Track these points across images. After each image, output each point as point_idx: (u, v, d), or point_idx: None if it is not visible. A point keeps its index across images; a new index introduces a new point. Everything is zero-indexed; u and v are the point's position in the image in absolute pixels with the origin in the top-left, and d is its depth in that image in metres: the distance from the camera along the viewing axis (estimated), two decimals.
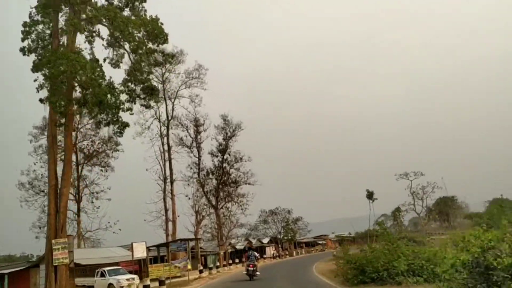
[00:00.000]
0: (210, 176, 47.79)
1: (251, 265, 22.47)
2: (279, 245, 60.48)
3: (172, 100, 41.92)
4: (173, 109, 41.83)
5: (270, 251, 60.65)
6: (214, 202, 47.43)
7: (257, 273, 23.01)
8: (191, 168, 46.24)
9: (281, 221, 57.98)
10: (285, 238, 59.80)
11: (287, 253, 56.12)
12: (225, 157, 48.39)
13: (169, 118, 41.50)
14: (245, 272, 22.95)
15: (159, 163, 39.48)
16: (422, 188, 66.28)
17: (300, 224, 61.75)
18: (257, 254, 25.49)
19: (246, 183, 48.23)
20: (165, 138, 40.83)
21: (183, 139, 46.01)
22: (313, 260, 37.35)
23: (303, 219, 61.74)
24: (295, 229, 60.60)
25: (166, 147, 40.50)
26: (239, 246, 54.83)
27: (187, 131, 46.10)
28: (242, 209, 47.67)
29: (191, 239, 35.49)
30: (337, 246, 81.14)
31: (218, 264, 36.15)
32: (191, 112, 45.31)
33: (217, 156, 48.55)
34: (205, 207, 45.40)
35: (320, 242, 77.75)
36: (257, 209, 58.87)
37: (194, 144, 46.57)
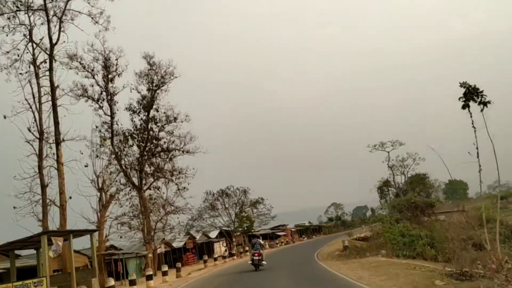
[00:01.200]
0: (130, 141, 32.57)
1: (256, 254, 19.71)
2: (231, 240, 46.39)
3: (59, 15, 26.15)
4: (60, 30, 26.04)
5: (219, 248, 46.56)
6: (137, 181, 32.39)
7: (263, 262, 20.08)
8: (99, 131, 30.76)
9: (236, 205, 43.46)
10: (239, 229, 45.84)
11: (241, 250, 42.41)
12: (151, 114, 33.44)
13: (53, 42, 25.69)
14: (250, 262, 20.14)
15: (34, 112, 23.60)
16: (402, 160, 56.37)
17: (262, 208, 47.25)
18: (262, 242, 22.77)
19: (182, 152, 33.73)
20: (47, 73, 24.94)
21: (88, 89, 30.45)
22: (293, 262, 24.06)
23: (265, 201, 47.27)
24: (252, 216, 46.27)
25: (46, 89, 24.65)
26: (178, 244, 40.02)
27: (93, 76, 30.53)
28: (179, 189, 33.17)
29: (86, 231, 20.34)
30: (303, 237, 70.19)
31: (145, 271, 21.59)
32: (96, 45, 29.78)
33: (139, 114, 33.44)
34: (120, 185, 30.22)
35: (280, 233, 65.21)
36: (203, 190, 44.21)
37: (104, 95, 31.12)
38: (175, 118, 33.66)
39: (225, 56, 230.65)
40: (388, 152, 56.93)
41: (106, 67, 30.72)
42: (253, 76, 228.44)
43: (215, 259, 35.34)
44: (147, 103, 33.07)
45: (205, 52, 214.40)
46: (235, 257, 37.17)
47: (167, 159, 33.53)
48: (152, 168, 33.15)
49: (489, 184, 40.36)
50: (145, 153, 32.56)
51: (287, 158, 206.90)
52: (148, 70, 33.44)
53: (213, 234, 47.26)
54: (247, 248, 40.77)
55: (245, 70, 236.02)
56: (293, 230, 70.86)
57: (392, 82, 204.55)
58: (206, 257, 31.48)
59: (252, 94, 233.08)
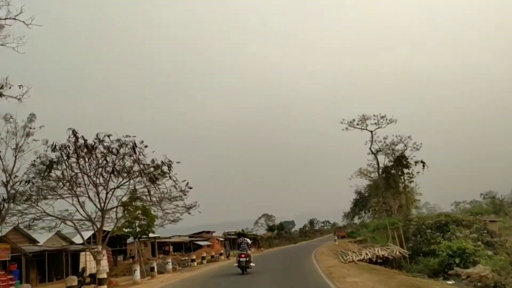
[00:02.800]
0: None
1: (242, 255, 16.22)
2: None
3: None
4: None
5: (87, 261, 25.04)
6: None
7: (251, 264, 16.59)
8: None
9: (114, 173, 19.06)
10: (126, 229, 24.29)
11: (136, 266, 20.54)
12: None
13: None
14: (236, 264, 16.54)
15: None
16: (391, 144, 39.92)
17: (170, 187, 21.61)
18: (249, 241, 17.83)
19: None
20: None
21: None
22: None
23: (171, 166, 20.61)
24: (151, 204, 22.29)
25: None
26: None
27: None
28: None
29: None
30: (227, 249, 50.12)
31: None
32: None
33: None
34: None
35: (203, 243, 44.55)
36: None
37: None
38: None
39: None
40: (371, 132, 40.56)
41: None
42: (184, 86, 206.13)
43: None
44: None
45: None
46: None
47: None
48: None
49: None
50: None
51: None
52: None
53: (77, 239, 25.37)
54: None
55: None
56: (221, 239, 50.76)
57: None
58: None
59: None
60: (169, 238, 41.35)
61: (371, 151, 40.79)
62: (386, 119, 39.92)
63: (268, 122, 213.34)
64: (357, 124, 41.00)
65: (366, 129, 41.23)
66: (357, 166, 51.56)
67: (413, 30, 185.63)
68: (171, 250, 39.81)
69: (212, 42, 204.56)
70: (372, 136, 41.64)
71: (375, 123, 40.45)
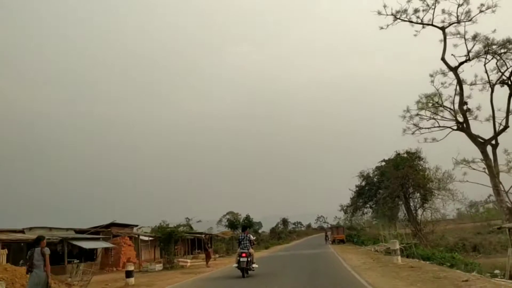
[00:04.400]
0: None
1: (243, 254, 13.65)
2: None
3: None
4: None
5: None
6: None
7: (254, 265, 14.08)
8: None
9: None
10: None
11: None
12: None
13: None
14: (236, 265, 13.89)
15: None
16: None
17: None
18: (252, 238, 14.93)
19: None
20: None
21: None
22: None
23: None
24: None
25: None
26: None
27: None
28: None
29: None
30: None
31: None
32: None
33: None
34: None
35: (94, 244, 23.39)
36: None
37: None
38: None
39: None
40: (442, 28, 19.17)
41: None
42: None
43: None
44: None
45: None
46: None
47: None
48: None
49: None
50: None
51: None
52: None
53: None
54: None
55: None
56: (145, 238, 30.36)
57: None
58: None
59: None
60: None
61: (446, 64, 20.64)
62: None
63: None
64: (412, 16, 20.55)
65: (432, 25, 20.69)
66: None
67: None
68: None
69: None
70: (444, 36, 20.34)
71: (448, 14, 20.25)
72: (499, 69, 20.23)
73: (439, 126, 22.51)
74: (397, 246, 15.83)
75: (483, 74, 20.70)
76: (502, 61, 19.67)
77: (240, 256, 13.60)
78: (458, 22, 20.15)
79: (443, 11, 20.33)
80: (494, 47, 19.26)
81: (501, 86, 20.56)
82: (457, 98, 21.25)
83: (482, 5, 19.41)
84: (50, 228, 23.11)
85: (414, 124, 22.69)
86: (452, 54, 20.54)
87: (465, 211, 49.24)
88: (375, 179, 37.09)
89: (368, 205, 38.57)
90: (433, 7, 20.25)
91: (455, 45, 20.51)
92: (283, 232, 79.88)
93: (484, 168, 20.22)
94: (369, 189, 37.14)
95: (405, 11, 20.45)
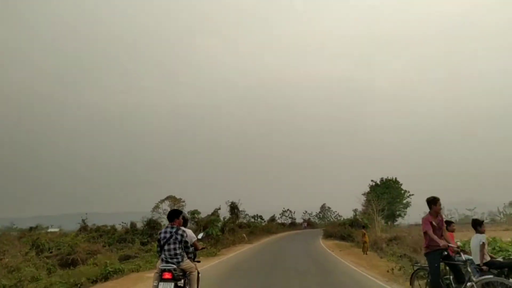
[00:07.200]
0: None
1: (165, 275, 6.21)
2: None
3: None
4: None
5: None
6: None
7: None
8: None
9: None
10: None
11: None
12: None
13: None
14: None
15: None
16: None
17: None
18: (193, 235, 7.57)
19: None
20: None
21: None
22: None
23: None
24: None
25: None
26: None
27: None
28: None
29: None
30: None
31: None
32: None
33: None
34: None
35: None
36: None
37: None
38: None
39: None
40: None
41: None
42: None
43: None
44: None
45: None
46: None
47: None
48: None
49: None
50: None
51: None
52: None
53: None
54: None
55: None
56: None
57: None
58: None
59: None
60: None
61: None
62: None
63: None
64: None
65: None
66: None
67: None
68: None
69: None
70: None
71: None
72: None
73: None
74: None
75: None
76: None
77: (159, 278, 6.32)
78: None
79: None
80: None
81: None
82: None
83: None
84: None
85: None
86: None
87: None
88: None
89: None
90: None
91: None
92: (233, 222, 41.34)
93: None
94: None
95: None
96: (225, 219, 35.91)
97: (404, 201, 50.72)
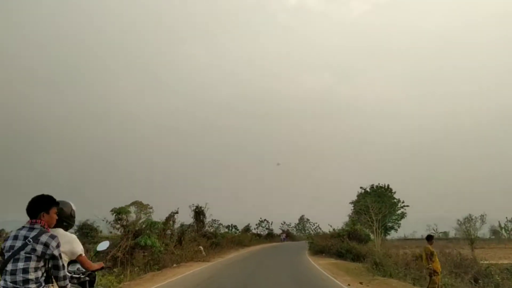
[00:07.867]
0: None
1: None
2: None
3: None
4: None
5: None
6: None
7: None
8: None
9: None
10: None
11: None
12: None
13: None
14: None
15: None
16: None
17: None
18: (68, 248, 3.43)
19: None
20: None
21: None
22: None
23: None
24: None
25: None
26: None
27: None
28: None
29: None
30: None
31: None
32: None
33: None
34: None
35: None
36: None
37: None
38: None
39: None
40: None
41: None
42: None
43: None
44: None
45: None
46: None
47: None
48: None
49: None
50: None
51: None
52: None
53: None
54: None
55: None
56: None
57: None
58: None
59: None
60: None
61: None
62: None
63: None
64: None
65: None
66: None
67: None
68: None
69: None
70: None
71: None
72: None
73: None
74: None
75: None
76: None
77: None
78: None
79: None
80: None
81: None
82: None
83: None
84: None
85: None
86: None
87: None
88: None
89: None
90: None
91: None
92: (198, 228, 34.02)
93: None
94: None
95: None
96: (183, 226, 27.94)
97: (399, 212, 44.19)
